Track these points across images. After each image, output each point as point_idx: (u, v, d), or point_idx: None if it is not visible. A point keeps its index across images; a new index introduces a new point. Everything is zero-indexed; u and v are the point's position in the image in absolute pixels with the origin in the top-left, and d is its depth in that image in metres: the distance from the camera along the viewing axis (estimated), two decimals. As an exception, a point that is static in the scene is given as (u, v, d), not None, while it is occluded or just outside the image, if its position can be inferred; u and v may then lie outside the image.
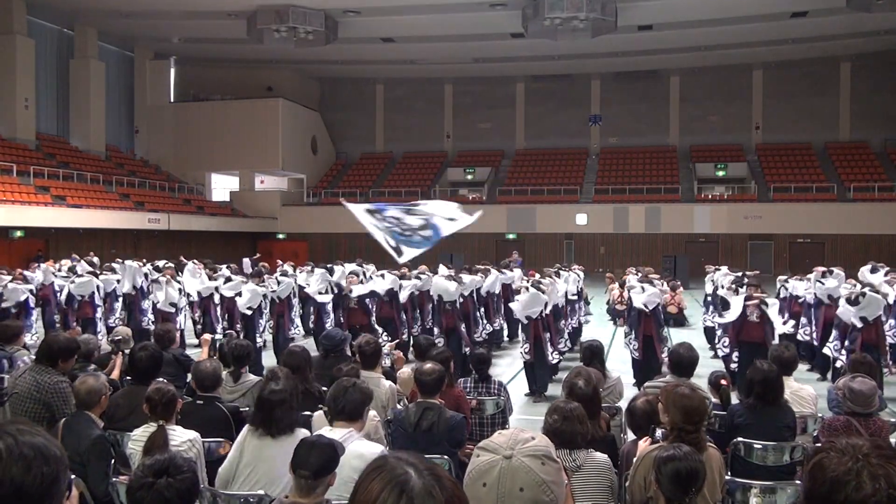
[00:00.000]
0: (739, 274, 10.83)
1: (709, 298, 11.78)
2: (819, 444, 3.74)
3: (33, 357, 5.37)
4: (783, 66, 32.71)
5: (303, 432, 3.49)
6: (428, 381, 4.11)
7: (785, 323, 10.24)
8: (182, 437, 3.54)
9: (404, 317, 10.57)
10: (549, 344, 8.55)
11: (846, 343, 8.35)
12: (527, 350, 8.49)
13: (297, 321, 11.52)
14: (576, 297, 11.65)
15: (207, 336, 5.99)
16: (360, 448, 3.20)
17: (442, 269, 11.29)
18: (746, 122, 34.13)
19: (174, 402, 3.66)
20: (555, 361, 8.98)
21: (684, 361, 4.71)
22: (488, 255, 26.70)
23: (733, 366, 8.26)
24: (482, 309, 10.85)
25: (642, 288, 8.67)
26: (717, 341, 9.57)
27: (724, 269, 12.36)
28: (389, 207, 10.87)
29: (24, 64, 26.33)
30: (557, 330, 9.00)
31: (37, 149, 26.63)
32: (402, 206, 10.70)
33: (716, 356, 10.81)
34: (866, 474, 1.22)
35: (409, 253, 10.66)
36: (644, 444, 3.45)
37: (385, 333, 9.59)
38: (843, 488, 1.22)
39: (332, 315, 10.97)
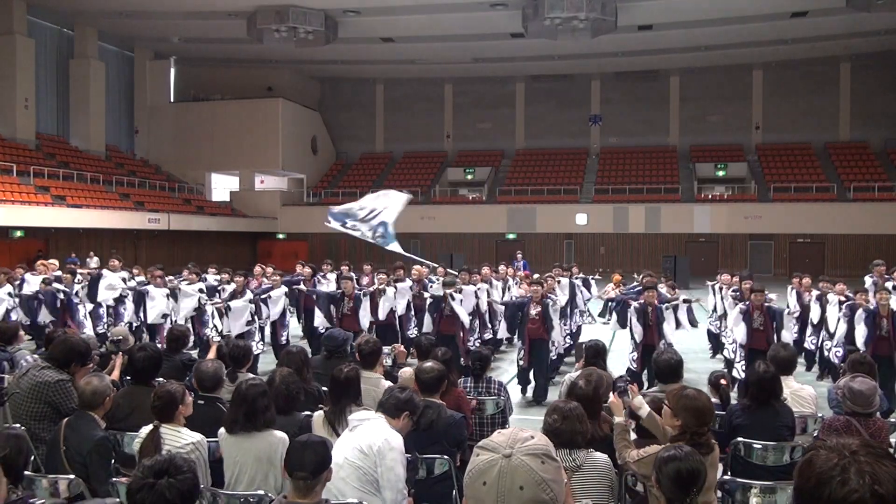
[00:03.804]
0: (737, 281, 10.57)
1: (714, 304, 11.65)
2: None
3: (35, 357, 5.39)
4: (783, 66, 32.72)
5: (278, 434, 3.56)
6: (427, 379, 4.13)
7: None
8: (186, 440, 3.53)
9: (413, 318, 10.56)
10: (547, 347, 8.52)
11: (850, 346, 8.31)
12: (522, 356, 8.46)
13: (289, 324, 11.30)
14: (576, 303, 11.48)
15: (216, 338, 6.01)
16: (378, 427, 3.37)
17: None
18: (746, 122, 34.14)
19: (172, 404, 3.62)
20: (554, 357, 8.97)
21: (664, 368, 4.62)
22: (488, 255, 26.74)
23: (738, 366, 8.24)
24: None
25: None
26: (728, 345, 9.38)
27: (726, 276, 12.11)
28: (347, 219, 10.94)
29: (24, 64, 26.34)
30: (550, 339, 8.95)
31: (37, 149, 26.64)
32: (354, 215, 10.78)
33: (714, 356, 10.82)
34: (853, 471, 1.22)
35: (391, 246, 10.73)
36: (614, 398, 3.72)
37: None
38: (828, 484, 1.22)
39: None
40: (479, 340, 9.94)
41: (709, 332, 11.49)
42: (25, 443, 3.08)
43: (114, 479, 3.46)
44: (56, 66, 29.39)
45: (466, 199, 33.42)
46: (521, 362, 8.46)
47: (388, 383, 4.87)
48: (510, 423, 5.20)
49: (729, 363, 9.08)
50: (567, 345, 10.20)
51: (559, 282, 10.64)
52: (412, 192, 33.58)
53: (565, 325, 10.26)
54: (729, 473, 3.83)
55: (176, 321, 9.52)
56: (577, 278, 11.93)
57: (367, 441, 3.25)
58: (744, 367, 8.03)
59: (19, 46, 25.96)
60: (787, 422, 4.18)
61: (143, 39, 31.79)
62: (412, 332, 10.38)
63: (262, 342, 9.59)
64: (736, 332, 8.29)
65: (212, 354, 5.61)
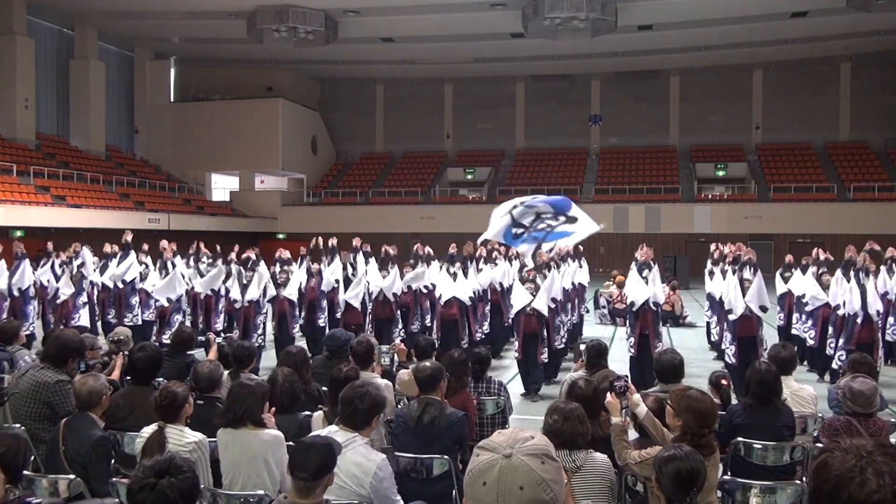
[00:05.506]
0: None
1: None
2: (822, 445, 3.75)
3: (34, 357, 5.38)
4: (783, 66, 32.71)
5: (271, 433, 3.55)
6: (421, 377, 4.16)
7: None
8: (188, 439, 3.54)
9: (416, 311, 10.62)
10: (542, 342, 8.46)
11: (841, 342, 8.36)
12: (517, 348, 8.54)
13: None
14: (573, 289, 11.26)
15: (216, 339, 5.98)
16: (359, 457, 3.21)
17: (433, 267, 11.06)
18: (746, 122, 34.13)
19: (177, 405, 3.64)
20: (545, 361, 8.67)
21: (667, 368, 4.60)
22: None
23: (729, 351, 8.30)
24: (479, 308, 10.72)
25: (644, 280, 8.49)
26: (723, 346, 9.32)
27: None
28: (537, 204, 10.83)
29: (24, 64, 26.32)
30: (553, 326, 8.89)
31: (37, 149, 26.62)
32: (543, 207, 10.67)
33: (718, 357, 10.79)
34: (871, 471, 1.23)
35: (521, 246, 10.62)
36: (611, 398, 3.66)
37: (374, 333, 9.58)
38: (847, 485, 1.23)
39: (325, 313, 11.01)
40: (473, 338, 9.92)
41: (708, 325, 11.43)
42: (24, 442, 3.08)
43: (114, 479, 3.46)
44: (56, 66, 29.37)
45: (466, 199, 33.41)
46: (517, 354, 8.53)
47: (384, 382, 4.87)
48: (510, 424, 5.20)
49: (717, 347, 9.03)
50: (566, 333, 10.08)
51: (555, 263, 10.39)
52: (412, 192, 33.88)
53: (566, 316, 10.18)
54: (729, 473, 3.83)
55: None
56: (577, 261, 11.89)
57: (357, 480, 3.15)
58: (734, 353, 8.09)
59: (19, 46, 25.94)
60: (787, 421, 4.18)
61: (143, 39, 31.79)
62: (415, 326, 10.43)
63: (262, 336, 9.75)
64: (737, 300, 8.29)
65: (212, 355, 5.61)
